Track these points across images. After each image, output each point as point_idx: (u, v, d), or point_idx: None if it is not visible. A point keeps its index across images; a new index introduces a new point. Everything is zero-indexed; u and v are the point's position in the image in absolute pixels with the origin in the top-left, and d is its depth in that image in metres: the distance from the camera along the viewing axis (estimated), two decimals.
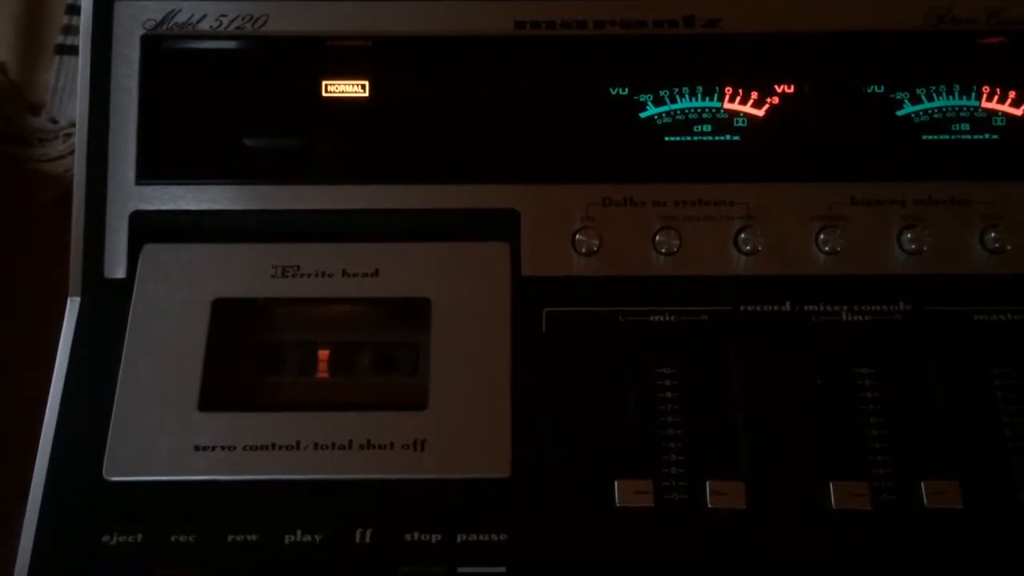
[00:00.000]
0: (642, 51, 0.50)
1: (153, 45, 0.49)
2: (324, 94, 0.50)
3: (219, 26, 0.49)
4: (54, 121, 0.70)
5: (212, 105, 0.50)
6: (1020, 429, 0.44)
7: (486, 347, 0.46)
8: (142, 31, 0.50)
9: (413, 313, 0.47)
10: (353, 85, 0.50)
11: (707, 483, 0.43)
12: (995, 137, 0.49)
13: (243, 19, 0.49)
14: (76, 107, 0.70)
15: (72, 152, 0.70)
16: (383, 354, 0.48)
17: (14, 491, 0.55)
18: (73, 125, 0.69)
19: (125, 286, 0.48)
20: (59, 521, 0.43)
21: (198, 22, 0.49)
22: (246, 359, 0.47)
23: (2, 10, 0.74)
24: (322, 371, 0.47)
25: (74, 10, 0.75)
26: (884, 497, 0.43)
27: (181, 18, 0.49)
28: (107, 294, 0.48)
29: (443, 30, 0.50)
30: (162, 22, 0.49)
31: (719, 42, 0.50)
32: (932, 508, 0.42)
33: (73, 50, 0.74)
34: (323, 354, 0.48)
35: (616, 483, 0.43)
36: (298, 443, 0.44)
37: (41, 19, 0.76)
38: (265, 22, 0.49)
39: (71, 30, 0.75)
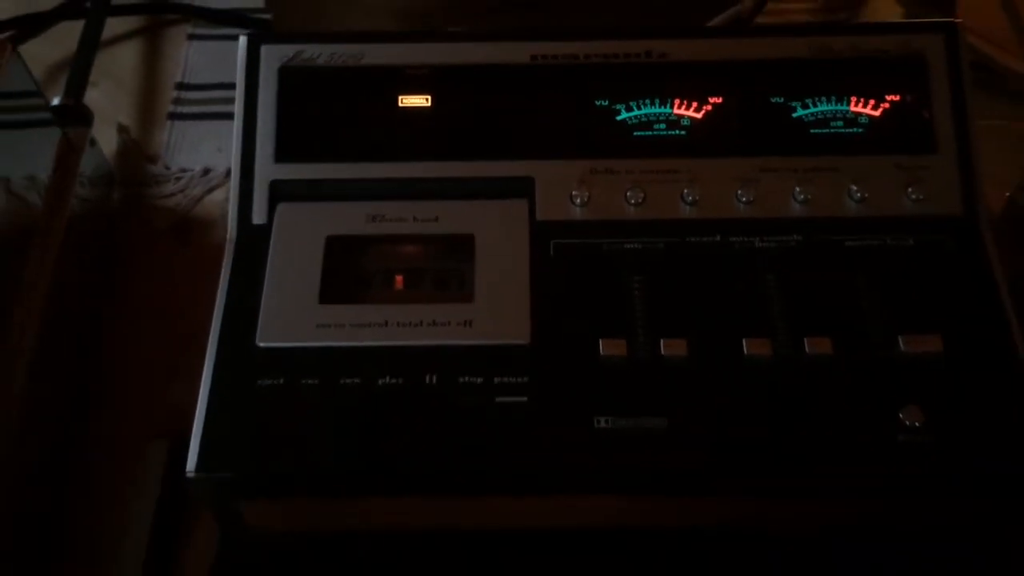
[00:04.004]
0: (617, 74, 0.62)
1: (287, 73, 0.62)
2: (400, 104, 0.62)
3: (331, 60, 0.62)
4: (167, 167, 0.83)
5: (325, 112, 0.62)
6: (873, 310, 0.56)
7: (513, 266, 0.58)
8: (279, 64, 0.62)
9: (462, 246, 0.59)
10: (420, 99, 0.62)
11: (660, 341, 0.55)
12: (860, 130, 0.61)
13: (347, 55, 0.62)
14: (193, 160, 0.84)
15: (182, 191, 0.84)
16: (441, 275, 0.59)
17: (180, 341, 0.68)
18: (183, 171, 0.84)
19: (266, 229, 0.60)
20: (227, 372, 0.54)
21: (317, 57, 0.62)
22: (349, 276, 0.59)
23: (126, 88, 0.92)
24: (399, 287, 0.59)
25: (182, 87, 0.91)
26: (781, 350, 0.55)
27: (306, 55, 0.62)
28: (253, 234, 0.60)
29: (482, 60, 0.62)
30: (293, 58, 0.62)
31: (669, 68, 0.62)
32: (811, 354, 0.55)
33: (181, 116, 0.89)
34: (399, 278, 0.59)
35: (600, 341, 0.55)
36: (386, 322, 0.57)
37: (155, 93, 0.92)
38: (362, 57, 0.62)
39: (179, 101, 0.90)
